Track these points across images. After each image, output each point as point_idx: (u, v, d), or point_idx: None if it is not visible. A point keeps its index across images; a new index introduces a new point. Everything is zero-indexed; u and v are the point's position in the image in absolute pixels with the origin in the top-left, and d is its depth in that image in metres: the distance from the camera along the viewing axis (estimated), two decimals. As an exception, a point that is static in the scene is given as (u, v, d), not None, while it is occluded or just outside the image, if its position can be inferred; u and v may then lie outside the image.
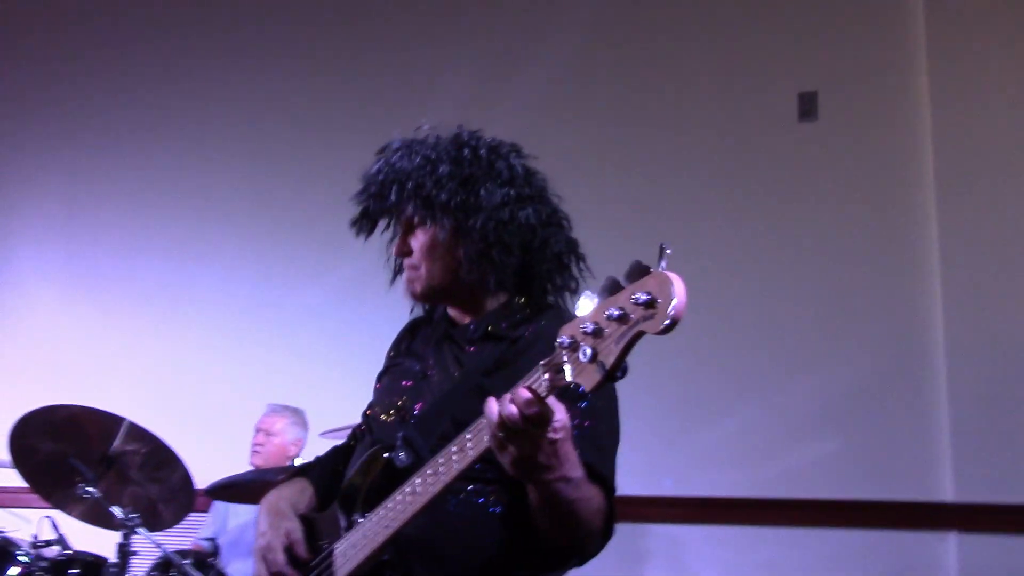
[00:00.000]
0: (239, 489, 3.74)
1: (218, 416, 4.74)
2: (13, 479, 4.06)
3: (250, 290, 5.04)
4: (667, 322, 1.24)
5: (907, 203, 4.43)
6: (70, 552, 3.57)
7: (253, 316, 5.01)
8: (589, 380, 1.33)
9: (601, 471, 1.70)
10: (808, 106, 4.56)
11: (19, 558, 3.56)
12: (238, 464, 4.20)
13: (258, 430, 4.48)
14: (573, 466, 1.55)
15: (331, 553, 1.80)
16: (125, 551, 3.43)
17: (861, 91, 4.53)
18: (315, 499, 2.00)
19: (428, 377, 1.93)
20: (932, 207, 4.37)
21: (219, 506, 4.51)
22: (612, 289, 1.32)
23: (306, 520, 1.92)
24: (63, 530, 3.70)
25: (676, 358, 4.45)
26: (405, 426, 1.80)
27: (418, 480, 1.63)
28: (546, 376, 1.41)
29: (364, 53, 5.12)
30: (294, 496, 1.99)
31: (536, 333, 1.84)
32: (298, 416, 4.54)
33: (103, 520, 3.61)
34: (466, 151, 1.91)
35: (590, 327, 1.32)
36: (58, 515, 3.81)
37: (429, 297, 1.97)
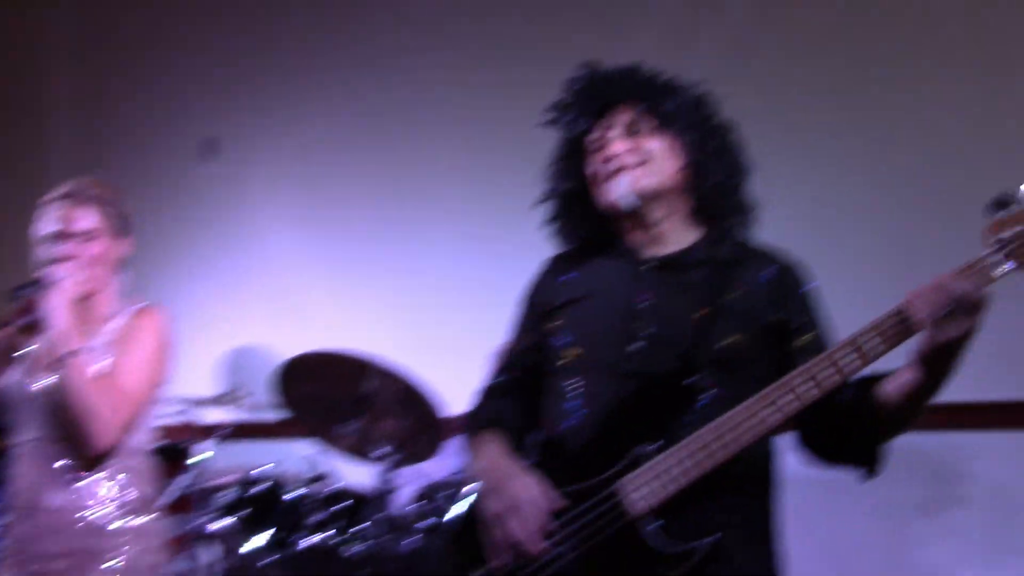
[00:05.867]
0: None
1: (461, 347, 4.80)
2: (276, 416, 4.30)
3: (472, 228, 5.03)
4: None
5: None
6: (336, 486, 3.71)
7: (479, 249, 5.00)
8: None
9: None
10: None
11: (290, 494, 3.76)
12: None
13: None
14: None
15: (615, 491, 1.74)
16: (387, 483, 3.56)
17: None
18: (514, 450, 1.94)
19: (646, 307, 1.83)
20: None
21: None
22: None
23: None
24: (327, 466, 3.88)
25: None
26: (684, 354, 1.75)
27: (738, 417, 1.70)
28: (986, 265, 1.57)
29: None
30: (509, 454, 1.92)
31: (741, 259, 1.86)
32: None
33: (364, 454, 3.77)
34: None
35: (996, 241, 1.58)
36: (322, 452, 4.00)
37: (651, 195, 1.86)
